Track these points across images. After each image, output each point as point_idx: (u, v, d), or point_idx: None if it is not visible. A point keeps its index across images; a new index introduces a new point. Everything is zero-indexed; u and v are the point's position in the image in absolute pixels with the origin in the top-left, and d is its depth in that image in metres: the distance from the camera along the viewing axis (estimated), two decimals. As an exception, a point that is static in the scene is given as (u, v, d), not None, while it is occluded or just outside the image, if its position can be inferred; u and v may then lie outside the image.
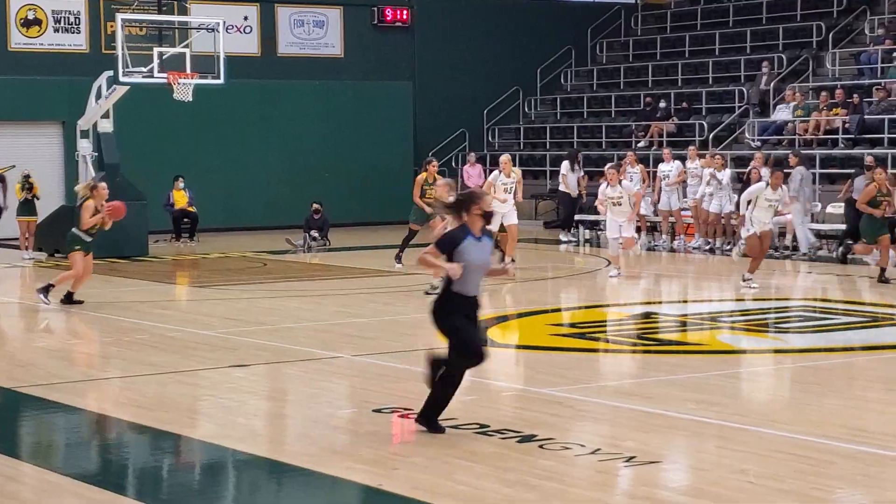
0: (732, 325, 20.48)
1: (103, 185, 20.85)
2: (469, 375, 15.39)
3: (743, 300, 23.18)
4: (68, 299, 20.83)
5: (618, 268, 25.28)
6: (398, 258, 27.01)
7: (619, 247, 25.41)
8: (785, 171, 27.72)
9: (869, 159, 27.83)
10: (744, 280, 22.87)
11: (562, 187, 34.61)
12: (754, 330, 19.53)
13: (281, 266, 29.16)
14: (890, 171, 25.45)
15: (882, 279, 23.44)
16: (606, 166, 27.39)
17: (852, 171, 31.20)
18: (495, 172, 25.94)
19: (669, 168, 31.96)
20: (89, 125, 31.07)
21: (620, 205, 24.84)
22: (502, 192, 25.35)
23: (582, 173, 35.14)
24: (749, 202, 23.07)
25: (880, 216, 23.59)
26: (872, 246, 24.10)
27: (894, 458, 11.38)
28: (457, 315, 11.67)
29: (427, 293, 20.67)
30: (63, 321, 20.67)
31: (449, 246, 11.50)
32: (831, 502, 10.16)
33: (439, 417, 11.92)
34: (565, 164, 34.70)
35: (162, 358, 16.81)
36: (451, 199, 12.94)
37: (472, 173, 38.22)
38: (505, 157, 26.75)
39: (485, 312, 21.10)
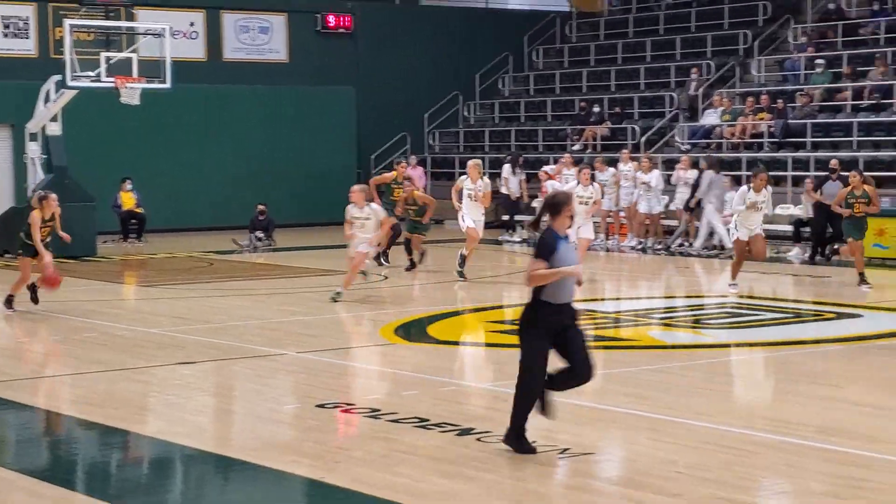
0: (662, 321, 20.60)
1: (54, 196, 20.46)
2: (410, 371, 15.48)
3: (673, 297, 23.35)
4: (8, 303, 20.49)
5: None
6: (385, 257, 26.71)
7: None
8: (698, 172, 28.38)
9: (833, 163, 27.70)
10: (729, 286, 22.39)
11: (503, 189, 34.63)
12: (683, 326, 19.69)
13: (227, 266, 29.07)
14: (856, 173, 25.00)
15: (863, 281, 22.95)
16: (579, 167, 27.26)
17: (781, 173, 31.57)
18: (463, 177, 25.42)
19: (605, 177, 31.96)
20: (38, 128, 30.90)
21: (587, 204, 24.19)
22: (466, 197, 25.01)
23: (524, 175, 35.19)
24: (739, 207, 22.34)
25: (848, 215, 23.13)
26: (860, 242, 23.52)
27: (815, 449, 11.51)
28: (541, 334, 10.81)
29: (333, 300, 20.64)
30: (13, 321, 20.52)
31: (549, 252, 10.63)
32: (756, 490, 10.27)
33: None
34: (506, 167, 34.81)
35: (111, 356, 16.74)
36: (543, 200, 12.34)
37: (413, 175, 38.18)
38: (472, 163, 25.93)
39: (427, 310, 21.36)
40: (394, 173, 28.24)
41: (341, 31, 43.00)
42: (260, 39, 42.04)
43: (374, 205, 21.34)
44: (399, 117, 42.99)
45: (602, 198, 26.48)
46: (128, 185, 35.14)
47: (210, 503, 10.56)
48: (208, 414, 13.81)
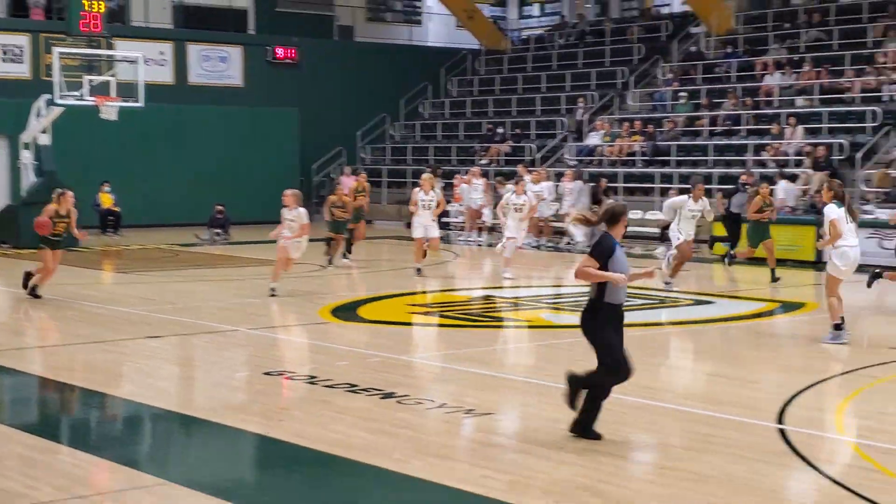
0: (552, 305, 20.70)
1: (70, 194, 19.51)
2: (342, 345, 15.49)
3: (561, 286, 23.46)
4: (32, 291, 19.50)
5: (509, 270, 23.15)
6: (347, 255, 26.13)
7: (515, 248, 23.60)
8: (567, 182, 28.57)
9: (744, 177, 27.44)
10: (665, 284, 21.24)
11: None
12: (569, 309, 19.78)
13: (190, 256, 28.87)
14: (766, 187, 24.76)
15: (774, 279, 22.36)
16: (514, 179, 27.01)
17: (650, 185, 31.80)
18: (416, 189, 23.89)
19: (539, 188, 31.83)
20: (30, 139, 30.55)
21: (521, 211, 23.39)
22: (422, 207, 23.50)
23: (442, 184, 35.14)
24: (676, 210, 21.41)
25: (756, 220, 22.72)
26: (754, 249, 22.96)
27: (674, 410, 11.70)
28: (609, 328, 10.23)
29: (271, 295, 19.87)
30: (9, 302, 20.34)
31: (605, 255, 10.05)
32: (625, 444, 10.39)
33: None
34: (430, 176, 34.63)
35: (89, 330, 16.60)
36: (598, 211, 11.52)
37: (346, 182, 38.35)
38: (425, 176, 24.59)
39: (357, 295, 21.36)
40: (356, 182, 27.88)
41: (288, 61, 42.84)
42: (219, 67, 41.81)
43: (301, 209, 20.20)
44: (335, 134, 42.94)
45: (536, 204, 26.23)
46: (106, 188, 35.01)
47: (174, 454, 10.50)
48: (173, 380, 13.76)
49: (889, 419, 11.50)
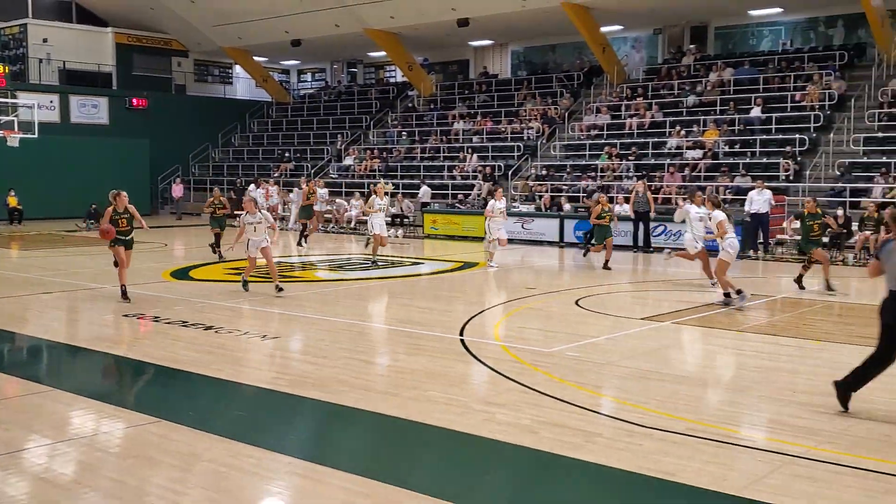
0: (328, 267, 20.77)
1: (124, 193, 14.98)
2: (179, 295, 15.19)
3: (331, 255, 23.52)
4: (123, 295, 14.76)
5: (492, 261, 19.71)
6: (301, 242, 24.12)
7: (499, 245, 19.83)
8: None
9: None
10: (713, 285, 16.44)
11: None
12: (336, 269, 19.84)
13: (72, 238, 27.56)
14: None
15: (606, 267, 19.14)
16: (496, 191, 21.03)
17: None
18: (373, 196, 20.72)
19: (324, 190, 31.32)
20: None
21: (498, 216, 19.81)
22: (377, 210, 20.58)
23: (258, 191, 34.08)
24: (683, 220, 16.56)
25: (599, 224, 19.71)
26: (601, 246, 19.62)
27: (396, 330, 11.87)
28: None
29: (244, 289, 19.47)
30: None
31: (883, 254, 7.84)
32: (380, 354, 10.40)
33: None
34: (252, 186, 33.20)
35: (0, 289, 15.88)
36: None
37: (177, 190, 38.18)
38: (379, 186, 21.95)
39: (191, 262, 20.84)
40: (307, 187, 25.34)
41: (140, 107, 41.23)
42: (92, 111, 39.89)
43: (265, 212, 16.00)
44: (174, 157, 41.77)
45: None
46: (12, 193, 33.52)
47: (64, 371, 10.29)
48: (60, 320, 13.30)
49: (524, 331, 12.00)
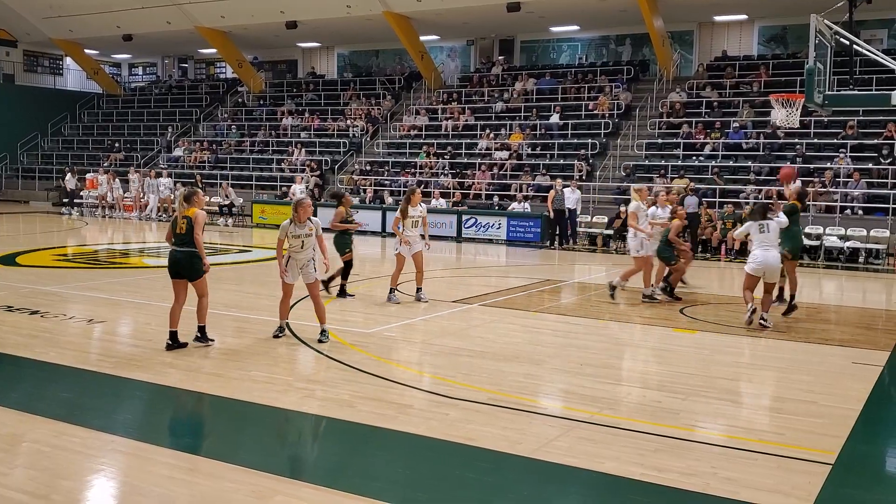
0: (152, 255, 19.96)
1: (201, 192, 11.10)
2: (4, 281, 14.18)
3: (157, 244, 22.62)
4: None
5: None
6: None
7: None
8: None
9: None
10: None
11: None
12: (155, 256, 19.04)
13: None
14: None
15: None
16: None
17: (214, 181, 31.02)
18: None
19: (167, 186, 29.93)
20: None
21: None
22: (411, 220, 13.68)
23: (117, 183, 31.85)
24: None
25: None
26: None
27: (231, 315, 11.44)
28: None
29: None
30: None
31: None
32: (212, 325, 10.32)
33: None
34: (67, 173, 31.80)
35: None
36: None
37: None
38: (416, 193, 13.46)
39: (16, 248, 19.46)
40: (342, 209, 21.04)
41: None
42: None
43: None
44: (2, 145, 39.12)
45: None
46: None
47: None
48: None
49: (346, 314, 11.89)
